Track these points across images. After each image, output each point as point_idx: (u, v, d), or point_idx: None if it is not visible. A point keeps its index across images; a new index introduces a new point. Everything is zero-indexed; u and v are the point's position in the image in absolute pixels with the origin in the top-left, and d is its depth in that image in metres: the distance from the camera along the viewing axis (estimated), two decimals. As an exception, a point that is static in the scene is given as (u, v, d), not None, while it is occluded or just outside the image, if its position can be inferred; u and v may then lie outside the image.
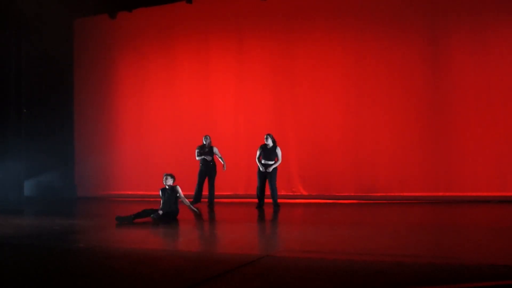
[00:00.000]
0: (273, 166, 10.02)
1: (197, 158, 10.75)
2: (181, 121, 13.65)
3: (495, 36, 11.13)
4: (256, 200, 10.36)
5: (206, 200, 10.67)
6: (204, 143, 10.82)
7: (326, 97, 12.42)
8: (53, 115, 14.94)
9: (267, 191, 10.29)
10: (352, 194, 12.04)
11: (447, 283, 3.94)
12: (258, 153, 10.20)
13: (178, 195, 8.61)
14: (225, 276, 4.31)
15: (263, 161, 10.08)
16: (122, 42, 14.74)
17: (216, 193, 10.72)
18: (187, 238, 7.23)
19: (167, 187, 8.70)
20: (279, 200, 10.22)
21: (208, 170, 10.72)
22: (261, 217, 9.13)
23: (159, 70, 14.22)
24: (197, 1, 13.55)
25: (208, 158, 10.70)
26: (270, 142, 10.07)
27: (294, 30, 12.79)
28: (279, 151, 10.15)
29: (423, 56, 11.68)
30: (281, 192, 11.35)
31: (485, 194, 10.98)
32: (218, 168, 10.85)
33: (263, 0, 12.91)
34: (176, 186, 8.68)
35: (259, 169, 10.14)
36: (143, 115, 14.37)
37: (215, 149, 10.81)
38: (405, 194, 11.61)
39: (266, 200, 10.27)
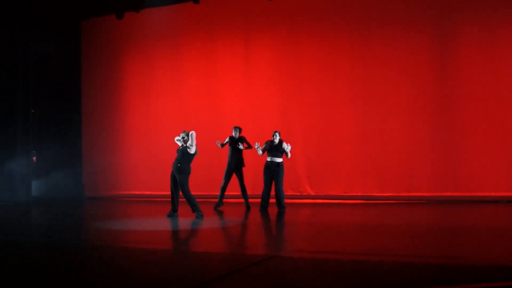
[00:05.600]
0: (288, 150, 9.77)
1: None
2: (188, 121, 13.64)
3: (503, 35, 11.07)
4: (259, 200, 10.15)
5: (217, 200, 10.60)
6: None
7: (334, 96, 12.40)
8: (60, 115, 15.01)
9: (273, 192, 10.04)
10: (360, 194, 12.01)
11: (455, 284, 3.92)
12: (263, 146, 9.91)
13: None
14: (233, 276, 4.31)
15: (269, 158, 9.93)
16: (129, 42, 14.78)
17: (225, 193, 10.59)
18: (194, 238, 7.23)
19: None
20: (286, 201, 10.15)
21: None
22: (268, 218, 9.12)
23: (166, 69, 14.26)
24: (204, 1, 13.58)
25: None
26: (277, 140, 9.88)
27: (300, 30, 12.79)
28: (286, 145, 9.78)
29: (431, 56, 11.63)
30: (288, 192, 11.34)
31: (493, 194, 10.92)
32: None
33: (270, 0, 12.90)
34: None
35: (265, 168, 9.91)
36: (151, 114, 14.40)
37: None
38: (412, 194, 11.57)
39: (270, 201, 10.13)
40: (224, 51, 13.61)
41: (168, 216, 8.93)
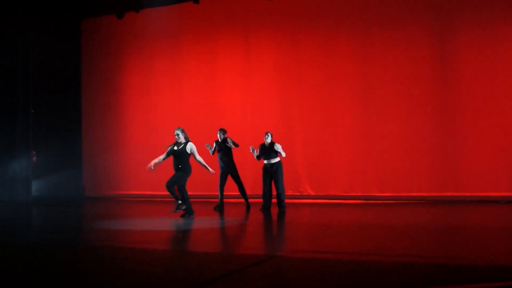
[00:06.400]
0: (280, 150, 9.74)
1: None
2: (188, 121, 13.63)
3: (503, 36, 11.07)
4: (261, 200, 10.11)
5: (217, 200, 10.60)
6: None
7: (334, 96, 12.40)
8: (60, 115, 15.01)
9: (274, 192, 10.06)
10: (360, 194, 12.01)
11: (455, 284, 3.92)
12: (258, 152, 9.97)
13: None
14: (233, 276, 4.31)
15: (266, 161, 9.96)
16: (129, 42, 14.78)
17: (224, 193, 10.61)
18: (194, 238, 7.22)
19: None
20: (286, 201, 10.14)
21: None
22: (268, 218, 9.12)
23: (166, 70, 14.26)
24: (204, 1, 13.58)
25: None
26: (269, 140, 9.91)
27: (300, 30, 12.79)
28: (278, 146, 9.74)
29: (431, 56, 11.64)
30: (288, 192, 11.33)
31: (493, 194, 10.92)
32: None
33: (270, 0, 12.89)
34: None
35: (263, 171, 9.92)
36: (151, 114, 14.40)
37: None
38: (412, 194, 11.57)
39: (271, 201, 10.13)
40: (224, 51, 13.61)
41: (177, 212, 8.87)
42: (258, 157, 10.00)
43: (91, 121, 15.17)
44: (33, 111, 14.45)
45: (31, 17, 14.05)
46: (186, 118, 13.69)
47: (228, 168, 10.31)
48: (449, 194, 11.30)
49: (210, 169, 9.05)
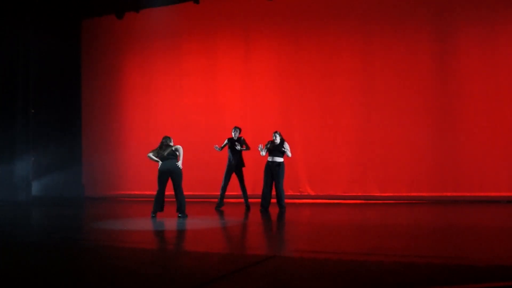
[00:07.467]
0: (287, 150, 9.83)
1: None
2: (188, 121, 13.67)
3: (503, 35, 11.07)
4: (259, 200, 10.07)
5: (217, 200, 10.61)
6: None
7: (334, 96, 12.40)
8: (60, 116, 15.00)
9: (273, 192, 10.06)
10: (360, 194, 12.01)
11: (455, 284, 3.92)
12: (265, 147, 9.88)
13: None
14: (233, 276, 4.30)
15: (270, 158, 9.96)
16: (129, 42, 14.78)
17: (225, 193, 10.59)
18: (194, 238, 7.22)
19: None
20: (286, 201, 10.13)
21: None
22: (268, 218, 9.11)
23: (166, 70, 14.25)
24: (204, 1, 13.57)
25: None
26: (278, 140, 9.88)
27: (300, 30, 12.79)
28: (287, 146, 9.82)
29: (431, 56, 11.63)
30: (288, 192, 11.34)
31: (493, 194, 10.92)
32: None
33: (270, 0, 12.89)
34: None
35: (266, 168, 9.89)
36: (151, 114, 14.40)
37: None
38: (413, 194, 11.57)
39: (271, 201, 10.11)
40: (224, 51, 13.61)
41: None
42: (265, 152, 9.95)
43: (91, 121, 15.17)
44: (33, 111, 14.45)
45: (31, 17, 14.05)
46: (186, 118, 13.71)
47: (236, 167, 10.33)
48: (449, 194, 11.30)
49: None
